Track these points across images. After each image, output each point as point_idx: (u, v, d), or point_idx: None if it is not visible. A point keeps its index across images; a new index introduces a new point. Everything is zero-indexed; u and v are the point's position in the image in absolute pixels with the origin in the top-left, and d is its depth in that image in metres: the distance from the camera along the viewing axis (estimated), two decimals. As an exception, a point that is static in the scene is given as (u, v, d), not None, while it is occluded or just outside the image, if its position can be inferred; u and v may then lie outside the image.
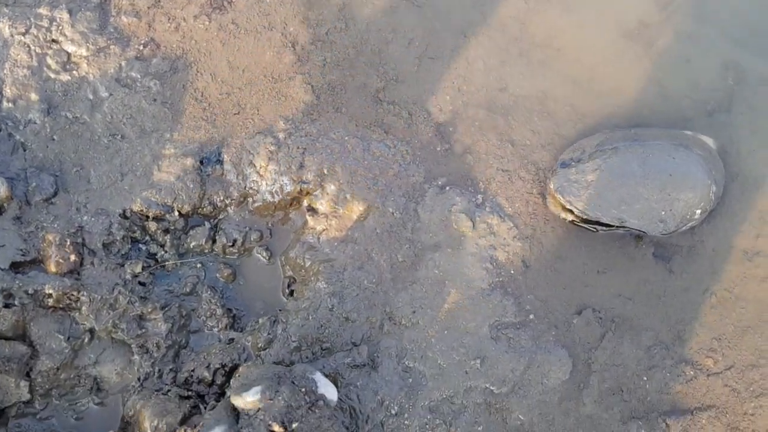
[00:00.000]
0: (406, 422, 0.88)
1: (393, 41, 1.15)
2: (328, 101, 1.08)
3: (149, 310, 0.91)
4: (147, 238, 0.98)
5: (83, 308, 0.89)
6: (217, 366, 0.88)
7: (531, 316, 0.97)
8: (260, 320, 0.94)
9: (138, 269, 0.94)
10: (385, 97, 1.11)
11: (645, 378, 0.96)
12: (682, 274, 1.03)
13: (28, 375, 0.85)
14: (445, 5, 1.18)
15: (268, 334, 0.91)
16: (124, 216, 0.95)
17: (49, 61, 1.01)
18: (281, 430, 0.71)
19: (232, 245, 0.99)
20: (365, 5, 1.16)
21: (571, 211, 1.00)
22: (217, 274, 0.98)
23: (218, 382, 0.88)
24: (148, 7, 1.08)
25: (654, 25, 1.23)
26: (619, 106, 1.16)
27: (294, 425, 0.71)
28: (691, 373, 0.97)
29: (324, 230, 0.99)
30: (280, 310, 0.96)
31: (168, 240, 0.97)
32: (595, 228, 1.02)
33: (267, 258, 1.00)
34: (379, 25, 1.15)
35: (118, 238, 0.94)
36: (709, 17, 1.24)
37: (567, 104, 1.14)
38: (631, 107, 1.16)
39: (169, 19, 1.07)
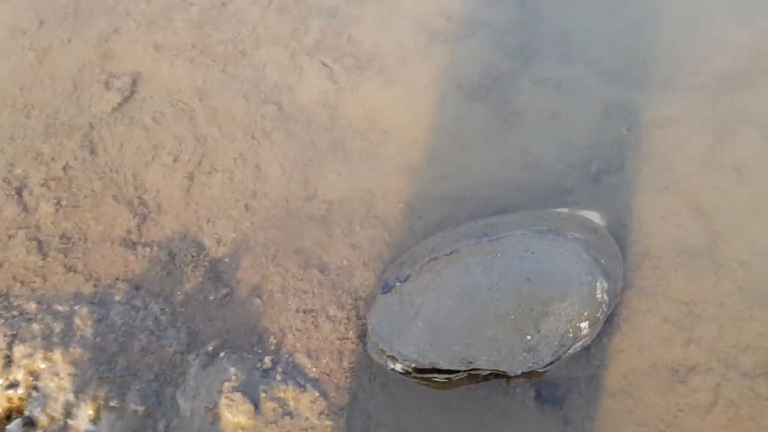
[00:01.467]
0: None
1: (154, 161, 0.85)
2: (58, 259, 0.77)
3: None
4: None
5: None
6: None
7: None
8: None
9: None
10: (139, 238, 0.79)
11: None
12: (584, 422, 0.67)
13: None
14: (223, 103, 0.89)
15: None
16: None
17: None
18: None
19: None
20: (118, 122, 0.87)
21: (394, 358, 0.66)
22: None
23: None
24: None
25: (504, 78, 0.93)
26: (471, 189, 0.84)
27: None
28: None
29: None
30: None
31: None
32: (435, 377, 0.66)
33: None
34: (136, 144, 0.86)
35: None
36: (574, 58, 0.95)
37: (400, 201, 0.82)
38: (488, 188, 0.84)
39: None
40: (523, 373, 0.65)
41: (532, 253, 0.68)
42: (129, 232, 0.80)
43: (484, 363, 0.64)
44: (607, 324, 0.71)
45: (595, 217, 0.76)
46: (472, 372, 0.65)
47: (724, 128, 0.82)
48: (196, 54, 0.88)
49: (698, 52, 0.88)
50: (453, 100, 0.91)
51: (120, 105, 0.88)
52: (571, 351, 0.66)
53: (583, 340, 0.66)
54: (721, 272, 0.72)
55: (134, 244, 0.80)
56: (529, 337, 0.64)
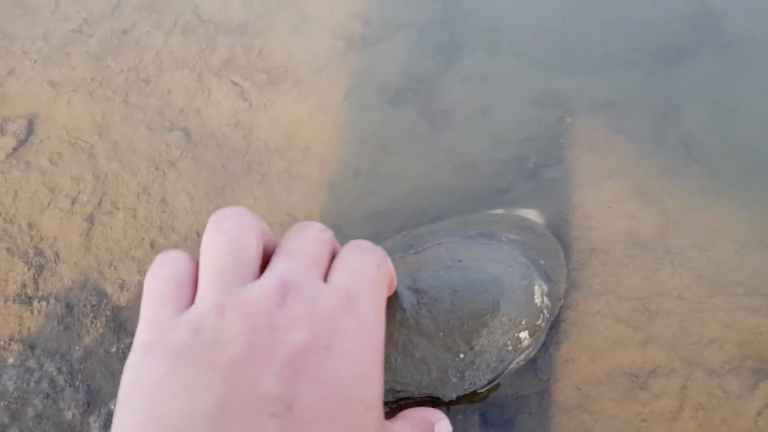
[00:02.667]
0: None
1: (51, 206, 0.77)
2: (-57, 324, 0.68)
3: None
4: None
5: None
6: None
7: None
8: None
9: None
10: (35, 292, 0.71)
11: None
12: None
13: None
14: (124, 136, 0.82)
15: None
16: None
17: None
18: None
19: None
20: (13, 169, 0.79)
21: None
22: None
23: None
24: None
25: (428, 78, 0.86)
26: (400, 201, 0.76)
27: None
28: None
29: None
30: None
31: None
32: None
33: None
34: (32, 189, 0.78)
35: None
36: (502, 49, 0.88)
37: (324, 222, 0.74)
38: (419, 197, 0.76)
39: None
40: (461, 396, 0.57)
41: (459, 261, 0.60)
42: (24, 286, 0.72)
43: (414, 390, 0.55)
44: (553, 331, 0.63)
45: (533, 215, 0.68)
46: (402, 401, 0.57)
47: (667, 104, 0.75)
48: (95, 87, 0.81)
49: (633, 29, 0.82)
50: (376, 108, 0.84)
51: (15, 150, 0.80)
52: (513, 365, 0.57)
53: (526, 351, 0.58)
54: (676, 261, 0.64)
55: (30, 298, 0.72)
56: (462, 356, 0.56)
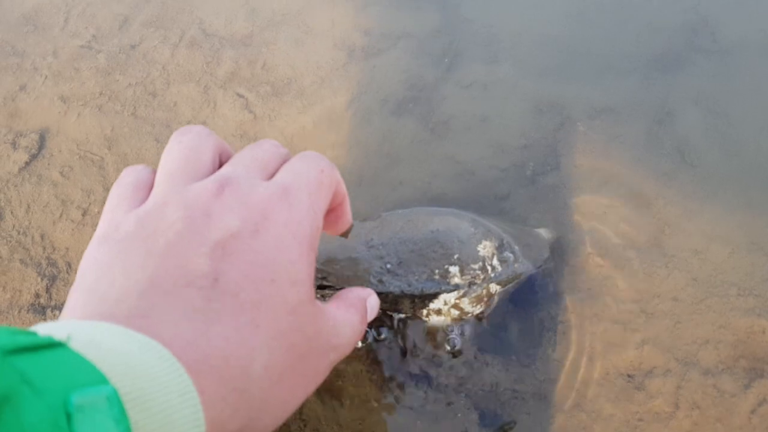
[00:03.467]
0: None
1: (62, 217, 0.80)
2: (-39, 333, 0.71)
3: None
4: None
5: None
6: None
7: None
8: None
9: None
10: (48, 301, 0.74)
11: None
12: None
13: None
14: (132, 148, 0.84)
15: None
16: None
17: None
18: None
19: None
20: (25, 182, 0.82)
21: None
22: None
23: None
24: None
25: (429, 87, 0.88)
26: (403, 208, 0.78)
27: None
28: None
29: None
30: None
31: None
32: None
33: None
34: (44, 202, 0.81)
35: None
36: (501, 58, 0.90)
37: None
38: (419, 205, 0.78)
39: None
40: (463, 394, 0.58)
41: (409, 220, 0.62)
42: (38, 296, 0.74)
43: (336, 283, 0.56)
44: (551, 333, 0.64)
45: (543, 232, 0.70)
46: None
47: (662, 110, 0.77)
48: (105, 101, 0.84)
49: (630, 36, 0.83)
50: (378, 117, 0.86)
51: (27, 164, 0.83)
52: (441, 298, 0.56)
53: (456, 292, 0.56)
54: (672, 264, 0.66)
55: (43, 308, 0.74)
56: (389, 266, 0.57)
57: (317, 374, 0.25)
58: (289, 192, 0.26)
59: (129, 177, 0.29)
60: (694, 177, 0.71)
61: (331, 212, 0.32)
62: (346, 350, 0.28)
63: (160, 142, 0.80)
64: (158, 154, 0.75)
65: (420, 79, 0.82)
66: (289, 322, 0.23)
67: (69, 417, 0.15)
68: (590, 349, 0.60)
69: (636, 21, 0.84)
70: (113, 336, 0.19)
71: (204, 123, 0.79)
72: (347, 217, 0.34)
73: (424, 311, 0.43)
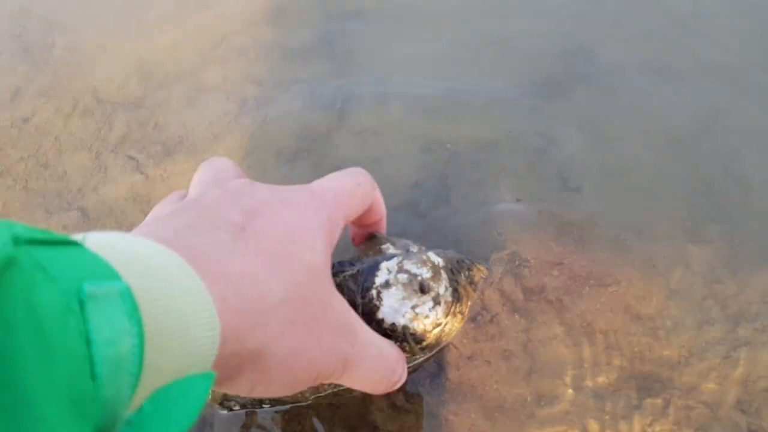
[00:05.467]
0: None
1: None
2: None
3: None
4: None
5: None
6: None
7: None
8: None
9: None
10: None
11: None
12: None
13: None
14: (24, 220, 0.82)
15: None
16: None
17: None
18: None
19: None
20: None
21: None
22: None
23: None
24: None
25: (322, 135, 0.88)
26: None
27: None
28: None
29: None
30: None
31: None
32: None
33: None
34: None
35: None
36: (390, 100, 0.91)
37: None
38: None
39: None
40: None
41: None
42: None
43: None
44: (444, 373, 0.64)
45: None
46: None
47: (546, 136, 0.78)
48: (-4, 176, 0.82)
49: (514, 68, 0.86)
50: (272, 167, 0.86)
51: None
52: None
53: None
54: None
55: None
56: None
57: (330, 352, 0.26)
58: (314, 188, 0.30)
59: (173, 196, 0.33)
60: (574, 199, 0.72)
61: (367, 227, 0.37)
62: (364, 371, 0.29)
63: (50, 213, 0.79)
64: (48, 225, 0.74)
65: (312, 128, 0.82)
66: (305, 279, 0.25)
67: (81, 304, 0.15)
68: (480, 382, 0.59)
69: (517, 53, 0.86)
70: (134, 244, 0.19)
71: (94, 189, 0.78)
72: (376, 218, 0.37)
73: (374, 291, 0.41)
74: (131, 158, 0.81)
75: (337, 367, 0.26)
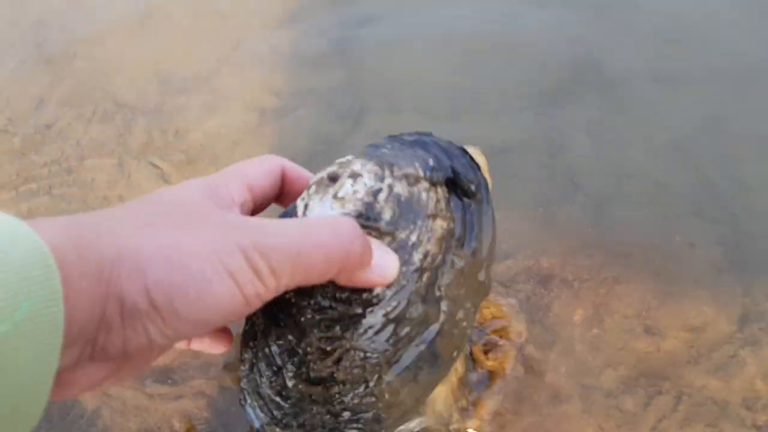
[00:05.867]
0: None
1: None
2: None
3: None
4: None
5: None
6: None
7: None
8: None
9: None
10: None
11: None
12: None
13: None
14: (51, 227, 0.85)
15: None
16: None
17: None
18: None
19: None
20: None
21: None
22: None
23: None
24: None
25: (336, 141, 0.91)
26: None
27: None
28: None
29: None
30: None
31: None
32: None
33: None
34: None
35: None
36: (402, 107, 0.94)
37: None
38: None
39: None
40: None
41: None
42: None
43: None
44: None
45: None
46: None
47: (556, 142, 0.81)
48: (20, 182, 0.86)
49: (524, 75, 0.88)
50: (290, 173, 0.89)
51: (-56, 251, 0.83)
52: None
53: None
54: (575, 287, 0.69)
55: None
56: None
57: (220, 242, 0.22)
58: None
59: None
60: (585, 201, 0.75)
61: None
62: (292, 250, 0.24)
63: (76, 219, 0.81)
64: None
65: (328, 134, 0.85)
66: (159, 199, 0.25)
67: None
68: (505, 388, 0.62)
69: (526, 61, 0.89)
70: None
71: (120, 196, 0.81)
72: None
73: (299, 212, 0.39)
74: (155, 166, 0.84)
75: (244, 258, 0.21)
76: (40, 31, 1.00)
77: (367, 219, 0.28)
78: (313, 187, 0.31)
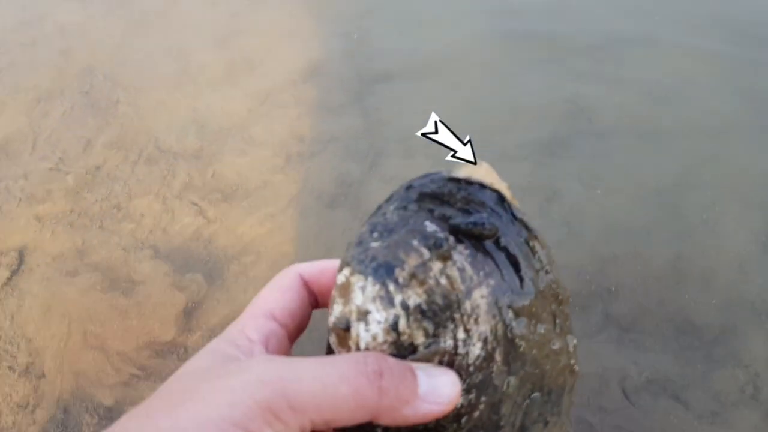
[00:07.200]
0: None
1: (45, 326, 0.91)
2: (-41, 438, 0.81)
3: None
4: None
5: None
6: None
7: None
8: None
9: None
10: (37, 402, 0.84)
11: None
12: None
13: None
14: (102, 257, 0.97)
15: None
16: None
17: None
18: None
19: None
20: (9, 296, 0.94)
21: None
22: None
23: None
24: None
25: (356, 183, 1.03)
26: None
27: None
28: None
29: None
30: None
31: None
32: None
33: None
34: (26, 313, 0.92)
35: None
36: (415, 152, 1.06)
37: None
38: None
39: None
40: None
41: None
42: (26, 397, 0.86)
43: None
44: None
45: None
46: None
47: (551, 189, 0.93)
48: (75, 217, 0.97)
49: (524, 124, 1.01)
50: (314, 211, 1.01)
51: (9, 279, 0.95)
52: None
53: None
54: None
55: (33, 407, 0.85)
56: None
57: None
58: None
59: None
60: (579, 243, 0.87)
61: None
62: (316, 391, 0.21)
63: (127, 251, 0.93)
64: (125, 262, 0.89)
65: (348, 176, 0.97)
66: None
67: None
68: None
69: (525, 113, 1.01)
70: None
71: (164, 230, 0.93)
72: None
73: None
74: (194, 204, 0.96)
75: (255, 408, 0.20)
76: (86, 78, 1.12)
77: (404, 357, 0.23)
78: (333, 338, 0.25)
